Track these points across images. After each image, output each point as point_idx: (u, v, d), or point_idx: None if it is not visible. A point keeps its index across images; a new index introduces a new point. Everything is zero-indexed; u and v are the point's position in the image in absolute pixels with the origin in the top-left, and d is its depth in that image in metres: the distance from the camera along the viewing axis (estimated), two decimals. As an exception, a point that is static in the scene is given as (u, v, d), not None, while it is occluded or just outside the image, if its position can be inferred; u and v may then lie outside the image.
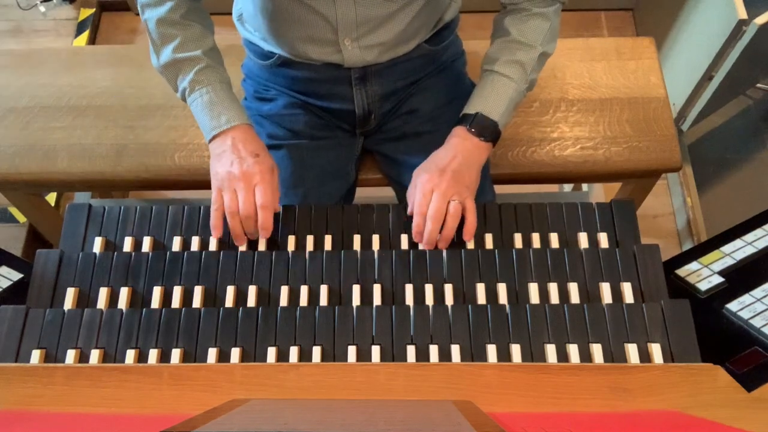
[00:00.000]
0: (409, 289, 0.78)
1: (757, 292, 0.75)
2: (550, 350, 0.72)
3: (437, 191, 0.83)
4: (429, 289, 0.78)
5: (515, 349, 0.72)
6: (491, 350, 0.72)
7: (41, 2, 2.11)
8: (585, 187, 1.59)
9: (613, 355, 0.72)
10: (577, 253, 0.80)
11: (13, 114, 1.17)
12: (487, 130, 0.89)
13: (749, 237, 0.82)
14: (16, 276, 0.83)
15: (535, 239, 0.84)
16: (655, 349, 0.72)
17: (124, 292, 0.79)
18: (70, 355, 0.73)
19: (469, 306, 0.75)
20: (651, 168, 1.12)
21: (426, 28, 0.99)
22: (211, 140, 0.89)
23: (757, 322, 0.72)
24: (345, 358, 0.72)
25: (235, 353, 0.73)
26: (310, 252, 0.82)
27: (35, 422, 0.59)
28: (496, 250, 0.81)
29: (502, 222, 0.86)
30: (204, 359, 0.73)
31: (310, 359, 0.72)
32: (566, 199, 1.29)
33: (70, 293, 0.79)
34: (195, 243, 0.85)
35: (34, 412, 0.63)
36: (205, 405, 0.58)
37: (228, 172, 0.84)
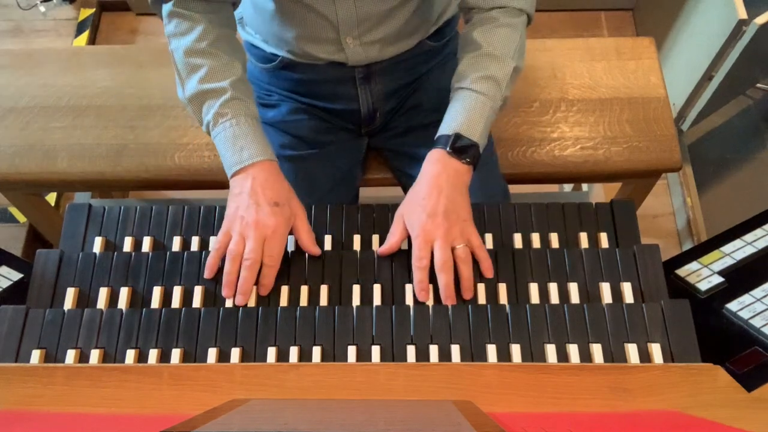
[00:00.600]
0: (409, 289, 0.78)
1: (757, 292, 0.75)
2: (550, 350, 0.72)
3: (437, 241, 0.78)
4: (429, 289, 0.78)
5: (515, 349, 0.72)
6: (491, 350, 0.72)
7: (41, 2, 2.12)
8: (585, 187, 1.59)
9: (613, 355, 0.72)
10: (577, 253, 0.80)
11: (13, 114, 1.17)
12: (468, 151, 0.83)
13: (749, 237, 0.82)
14: (16, 276, 0.83)
15: (535, 239, 0.84)
16: (655, 349, 0.72)
17: (124, 292, 0.79)
18: (70, 355, 0.73)
19: (469, 306, 0.75)
20: (651, 168, 1.12)
21: (427, 24, 0.99)
22: (232, 176, 0.83)
23: (757, 322, 0.72)
24: (345, 358, 0.72)
25: (235, 353, 0.73)
26: (310, 252, 0.82)
27: (35, 422, 0.59)
28: (496, 250, 0.81)
29: (502, 222, 0.86)
30: (204, 359, 0.73)
31: (310, 359, 0.72)
32: (566, 199, 1.29)
33: (70, 293, 0.79)
34: (195, 243, 0.84)
35: (34, 412, 0.63)
36: (205, 405, 0.58)
37: (242, 216, 0.79)
